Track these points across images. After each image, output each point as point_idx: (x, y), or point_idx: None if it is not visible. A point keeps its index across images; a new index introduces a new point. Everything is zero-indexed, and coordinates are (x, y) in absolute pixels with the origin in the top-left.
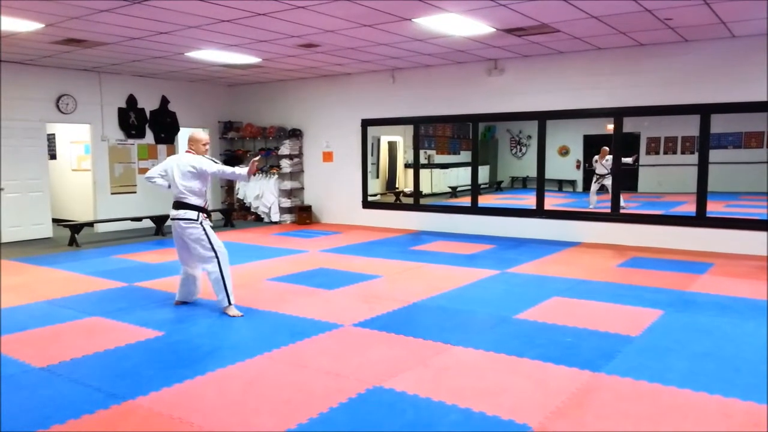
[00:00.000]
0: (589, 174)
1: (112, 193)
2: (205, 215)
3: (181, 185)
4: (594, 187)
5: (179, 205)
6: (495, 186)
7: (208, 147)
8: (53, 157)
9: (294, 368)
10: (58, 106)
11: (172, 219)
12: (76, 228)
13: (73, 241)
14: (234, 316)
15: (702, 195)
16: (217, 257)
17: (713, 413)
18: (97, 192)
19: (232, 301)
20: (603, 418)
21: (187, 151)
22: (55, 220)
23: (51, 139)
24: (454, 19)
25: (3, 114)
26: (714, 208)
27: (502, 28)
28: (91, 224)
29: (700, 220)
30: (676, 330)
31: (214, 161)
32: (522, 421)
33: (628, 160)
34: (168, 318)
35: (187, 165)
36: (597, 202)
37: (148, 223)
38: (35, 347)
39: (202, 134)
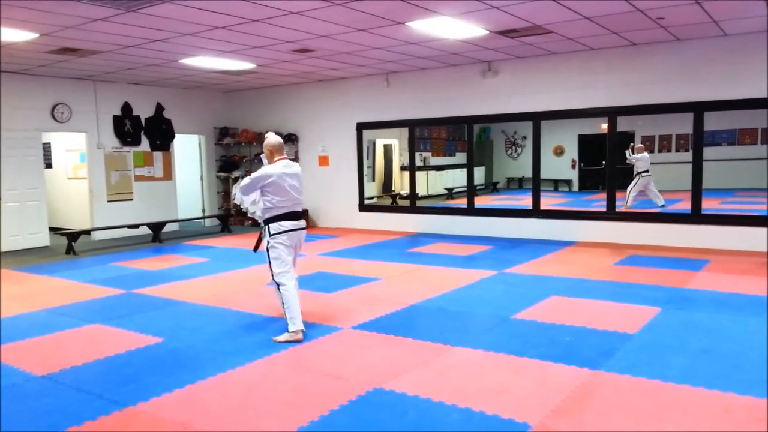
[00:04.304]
0: (585, 173)
1: (108, 201)
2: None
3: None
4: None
5: (299, 214)
6: (491, 187)
7: (272, 152)
8: (49, 165)
9: (295, 371)
10: (53, 115)
11: (298, 229)
12: (73, 236)
13: (70, 250)
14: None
15: (697, 192)
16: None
17: (713, 409)
18: (94, 200)
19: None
20: (603, 415)
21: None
22: (51, 229)
23: (47, 148)
24: (447, 23)
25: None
26: (709, 205)
27: (495, 30)
28: (88, 232)
29: (696, 217)
30: (673, 327)
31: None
32: (522, 419)
33: None
34: (167, 324)
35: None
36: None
37: (144, 230)
38: (36, 356)
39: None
